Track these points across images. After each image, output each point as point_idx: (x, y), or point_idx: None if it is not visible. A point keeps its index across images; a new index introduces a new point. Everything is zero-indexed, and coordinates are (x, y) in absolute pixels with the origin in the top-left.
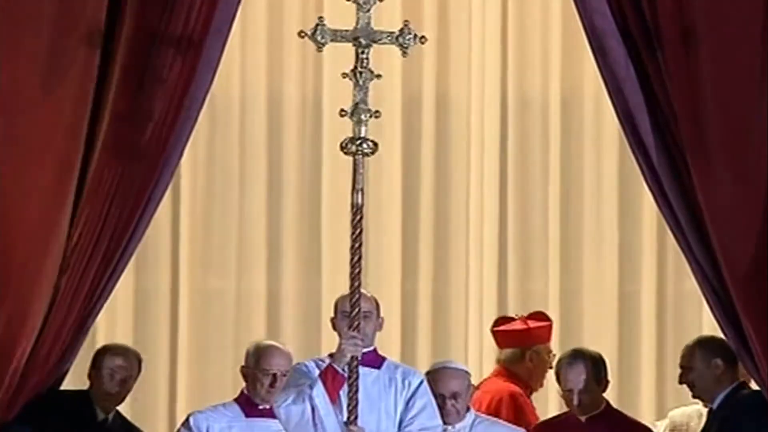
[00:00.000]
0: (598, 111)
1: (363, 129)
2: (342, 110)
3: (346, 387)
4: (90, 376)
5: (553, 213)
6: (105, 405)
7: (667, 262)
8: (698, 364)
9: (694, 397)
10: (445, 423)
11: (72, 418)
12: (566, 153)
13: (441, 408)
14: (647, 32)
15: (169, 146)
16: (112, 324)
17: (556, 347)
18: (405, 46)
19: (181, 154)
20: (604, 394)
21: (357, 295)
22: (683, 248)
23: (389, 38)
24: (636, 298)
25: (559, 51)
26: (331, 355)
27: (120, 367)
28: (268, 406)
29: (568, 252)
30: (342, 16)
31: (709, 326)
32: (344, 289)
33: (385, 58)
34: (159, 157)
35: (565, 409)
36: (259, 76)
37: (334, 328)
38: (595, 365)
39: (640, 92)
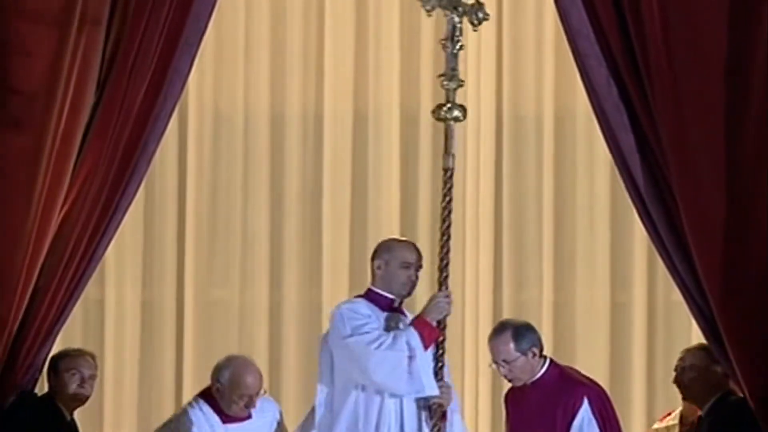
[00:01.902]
0: (591, 128)
1: (454, 95)
2: (441, 75)
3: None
4: (50, 381)
5: (546, 226)
6: (71, 406)
7: (657, 274)
8: (699, 365)
9: (684, 399)
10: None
11: (43, 419)
12: (559, 168)
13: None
14: (631, 55)
15: (134, 160)
16: (120, 334)
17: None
18: (476, 23)
19: (147, 167)
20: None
21: (446, 261)
22: (669, 269)
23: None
24: (627, 309)
25: (553, 70)
26: (365, 296)
27: (80, 368)
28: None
29: (561, 264)
30: (343, 35)
31: (698, 336)
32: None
33: (384, 75)
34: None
35: None
36: (262, 93)
37: (376, 270)
38: (518, 335)
39: (624, 113)
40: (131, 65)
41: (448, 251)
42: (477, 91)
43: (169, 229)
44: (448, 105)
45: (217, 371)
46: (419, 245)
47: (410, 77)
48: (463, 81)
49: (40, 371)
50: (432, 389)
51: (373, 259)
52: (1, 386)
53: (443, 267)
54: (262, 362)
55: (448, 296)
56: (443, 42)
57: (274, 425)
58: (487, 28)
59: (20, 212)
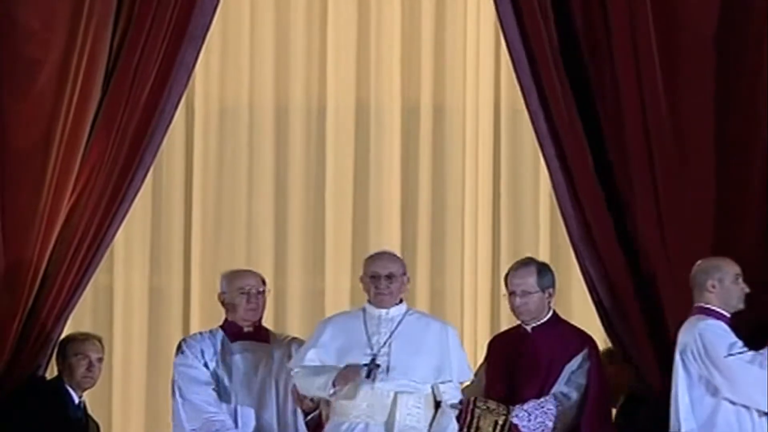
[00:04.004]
0: None
1: None
2: None
3: None
4: (59, 365)
5: (543, 215)
6: (80, 388)
7: None
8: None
9: None
10: (379, 306)
11: (55, 401)
12: None
13: (376, 288)
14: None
15: (143, 144)
16: (128, 321)
17: None
18: None
19: (153, 158)
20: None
21: None
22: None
23: None
24: None
25: None
26: (706, 314)
27: (87, 352)
28: (252, 329)
29: (557, 251)
30: (345, 30)
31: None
32: (346, 288)
33: (385, 68)
34: (134, 158)
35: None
36: (267, 85)
37: (710, 289)
38: (542, 273)
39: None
40: (138, 58)
41: None
42: (476, 83)
43: (176, 217)
44: None
45: (220, 284)
46: (417, 235)
47: (411, 70)
48: None
49: (50, 356)
50: None
51: (702, 279)
52: (12, 370)
53: None
54: None
55: None
56: None
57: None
58: (486, 22)
59: (30, 201)
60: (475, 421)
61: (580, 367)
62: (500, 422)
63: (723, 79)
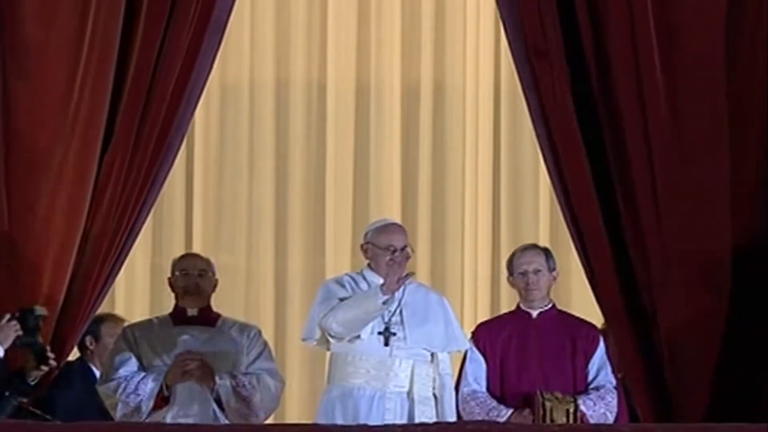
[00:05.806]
0: None
1: None
2: None
3: None
4: (86, 345)
5: (543, 193)
6: None
7: None
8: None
9: None
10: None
11: (88, 382)
12: None
13: (392, 260)
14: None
15: (172, 129)
16: (130, 299)
17: None
18: None
19: (181, 141)
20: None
21: None
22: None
23: None
24: None
25: None
26: None
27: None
28: (196, 313)
29: (557, 232)
30: (346, 8)
31: None
32: (347, 268)
33: (386, 47)
34: (163, 140)
35: None
36: (267, 65)
37: None
38: (548, 254)
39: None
40: (159, 47)
41: None
42: (476, 62)
43: (178, 196)
44: None
45: (171, 266)
46: (418, 213)
47: (411, 49)
48: None
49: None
50: None
51: None
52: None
53: None
54: (267, 328)
55: None
56: None
57: (244, 351)
58: (487, 4)
59: (41, 185)
60: (548, 413)
61: (606, 352)
62: (571, 410)
63: (724, 71)
